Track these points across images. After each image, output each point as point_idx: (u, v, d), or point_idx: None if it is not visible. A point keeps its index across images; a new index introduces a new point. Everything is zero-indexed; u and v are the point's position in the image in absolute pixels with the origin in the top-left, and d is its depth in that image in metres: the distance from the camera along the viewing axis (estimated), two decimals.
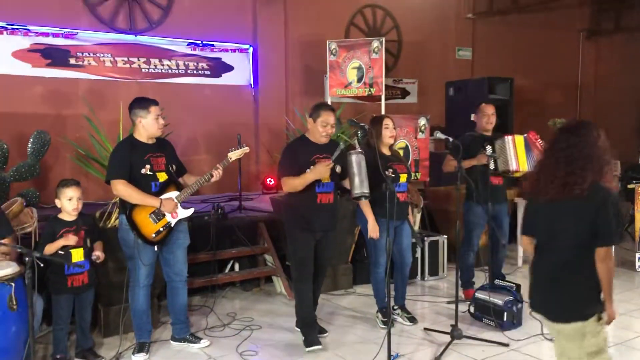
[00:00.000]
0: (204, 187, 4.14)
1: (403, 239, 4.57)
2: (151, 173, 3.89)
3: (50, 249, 3.68)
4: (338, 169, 4.09)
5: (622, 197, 6.87)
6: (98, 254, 3.87)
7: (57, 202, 3.84)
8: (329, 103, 7.14)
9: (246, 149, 4.23)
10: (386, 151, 4.51)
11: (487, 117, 5.06)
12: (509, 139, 4.92)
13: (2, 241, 3.46)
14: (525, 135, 4.98)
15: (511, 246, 6.68)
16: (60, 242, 3.69)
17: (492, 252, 5.21)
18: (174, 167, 4.06)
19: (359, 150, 3.97)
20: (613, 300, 2.63)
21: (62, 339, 3.83)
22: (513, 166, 4.86)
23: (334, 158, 3.95)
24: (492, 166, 4.92)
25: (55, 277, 3.75)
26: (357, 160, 3.87)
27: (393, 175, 4.27)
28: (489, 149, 4.94)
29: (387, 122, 4.49)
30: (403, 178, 4.46)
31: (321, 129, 4.04)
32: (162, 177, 3.95)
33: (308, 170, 3.96)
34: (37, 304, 3.60)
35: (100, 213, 4.67)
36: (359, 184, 3.86)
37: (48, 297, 3.89)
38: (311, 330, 4.19)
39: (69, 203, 3.79)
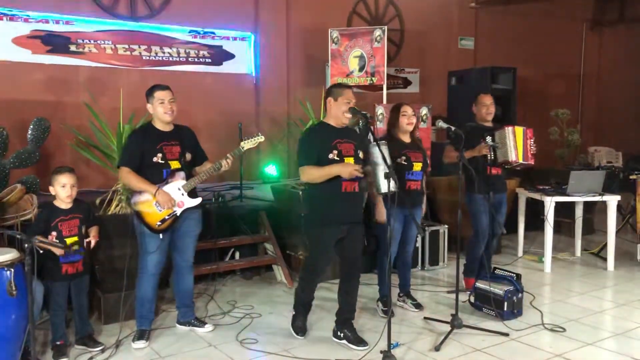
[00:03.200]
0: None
1: (410, 229, 4.57)
2: (163, 161, 3.90)
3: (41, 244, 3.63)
4: (361, 154, 3.90)
5: (624, 188, 6.86)
6: (90, 238, 3.84)
7: (52, 190, 3.81)
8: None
9: (261, 139, 4.10)
10: (406, 139, 4.49)
11: (486, 108, 5.04)
12: (509, 130, 4.90)
13: None
14: (525, 128, 4.98)
15: (512, 236, 6.69)
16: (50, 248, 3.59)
17: (486, 244, 5.21)
18: (189, 156, 4.04)
19: (384, 141, 3.75)
20: None
21: (59, 325, 3.83)
22: (512, 157, 4.86)
23: (364, 168, 3.76)
24: (490, 156, 4.92)
25: (50, 264, 3.72)
26: (379, 152, 3.63)
27: (405, 163, 4.31)
28: (489, 139, 4.92)
29: (405, 109, 4.46)
30: (417, 166, 4.42)
31: (345, 107, 3.82)
32: (175, 165, 3.95)
33: (331, 154, 3.76)
34: (37, 290, 3.60)
35: (100, 200, 4.67)
36: (385, 180, 3.57)
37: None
38: (303, 316, 4.18)
39: (62, 190, 3.76)
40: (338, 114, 3.86)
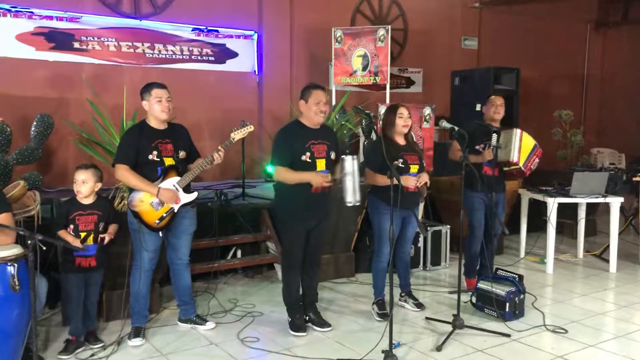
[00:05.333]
0: (206, 173, 4.11)
1: (408, 229, 4.57)
2: (158, 159, 3.91)
3: (61, 235, 3.74)
4: (333, 155, 4.08)
5: (627, 190, 6.85)
6: (105, 234, 3.86)
7: None
8: (333, 89, 7.15)
9: (250, 128, 4.13)
10: (401, 141, 4.47)
11: (494, 107, 5.05)
12: (517, 131, 4.93)
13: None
14: (537, 144, 5.03)
15: (514, 237, 6.69)
16: (68, 238, 3.73)
17: (485, 243, 5.23)
18: (183, 153, 4.05)
19: (354, 155, 3.95)
20: None
21: (73, 318, 3.85)
22: (514, 158, 4.87)
23: (336, 177, 4.00)
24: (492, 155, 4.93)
25: (64, 256, 3.82)
26: (351, 164, 3.87)
27: (402, 166, 4.31)
28: (494, 138, 4.92)
29: (402, 111, 4.43)
30: (414, 169, 4.40)
31: (315, 108, 3.96)
32: (169, 162, 3.96)
33: (303, 156, 3.94)
34: (41, 285, 3.59)
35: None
36: (352, 192, 3.88)
37: (52, 279, 3.90)
38: (299, 315, 4.25)
39: (74, 185, 3.85)
40: (310, 114, 4.01)
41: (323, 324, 4.28)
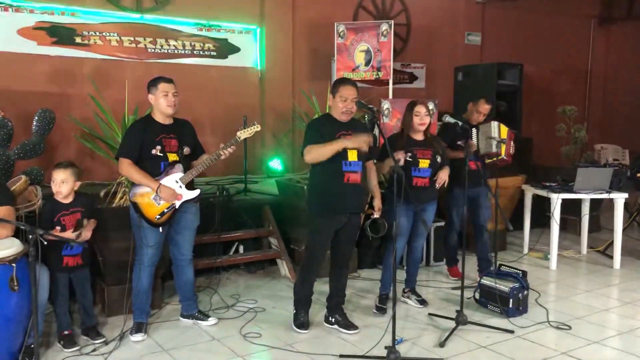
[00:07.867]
0: (208, 169, 4.09)
1: (419, 225, 4.55)
2: (162, 154, 3.88)
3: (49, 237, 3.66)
4: (366, 147, 3.99)
5: (631, 186, 6.82)
6: (83, 231, 3.75)
7: None
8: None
9: (257, 128, 4.08)
10: (418, 137, 4.47)
11: (479, 114, 5.18)
12: (495, 123, 5.05)
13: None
14: (509, 129, 5.15)
15: (517, 233, 6.66)
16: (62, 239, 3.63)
17: (476, 237, 5.34)
18: (187, 149, 4.02)
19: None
20: None
21: (63, 315, 3.83)
22: (495, 149, 4.98)
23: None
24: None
25: (52, 256, 3.74)
26: None
27: (410, 160, 4.34)
28: (474, 134, 5.04)
29: (419, 109, 4.41)
30: (424, 163, 4.40)
31: (341, 105, 3.88)
32: (173, 157, 3.93)
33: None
34: (43, 274, 3.55)
35: (104, 193, 4.66)
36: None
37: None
38: (304, 311, 4.20)
39: (52, 185, 3.80)
40: (337, 110, 3.95)
41: (350, 326, 4.14)
